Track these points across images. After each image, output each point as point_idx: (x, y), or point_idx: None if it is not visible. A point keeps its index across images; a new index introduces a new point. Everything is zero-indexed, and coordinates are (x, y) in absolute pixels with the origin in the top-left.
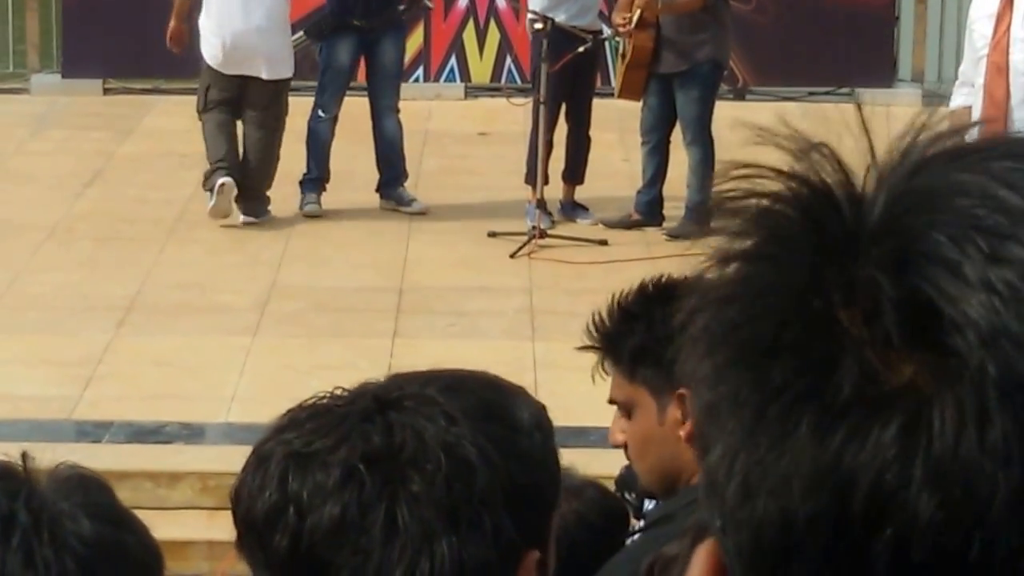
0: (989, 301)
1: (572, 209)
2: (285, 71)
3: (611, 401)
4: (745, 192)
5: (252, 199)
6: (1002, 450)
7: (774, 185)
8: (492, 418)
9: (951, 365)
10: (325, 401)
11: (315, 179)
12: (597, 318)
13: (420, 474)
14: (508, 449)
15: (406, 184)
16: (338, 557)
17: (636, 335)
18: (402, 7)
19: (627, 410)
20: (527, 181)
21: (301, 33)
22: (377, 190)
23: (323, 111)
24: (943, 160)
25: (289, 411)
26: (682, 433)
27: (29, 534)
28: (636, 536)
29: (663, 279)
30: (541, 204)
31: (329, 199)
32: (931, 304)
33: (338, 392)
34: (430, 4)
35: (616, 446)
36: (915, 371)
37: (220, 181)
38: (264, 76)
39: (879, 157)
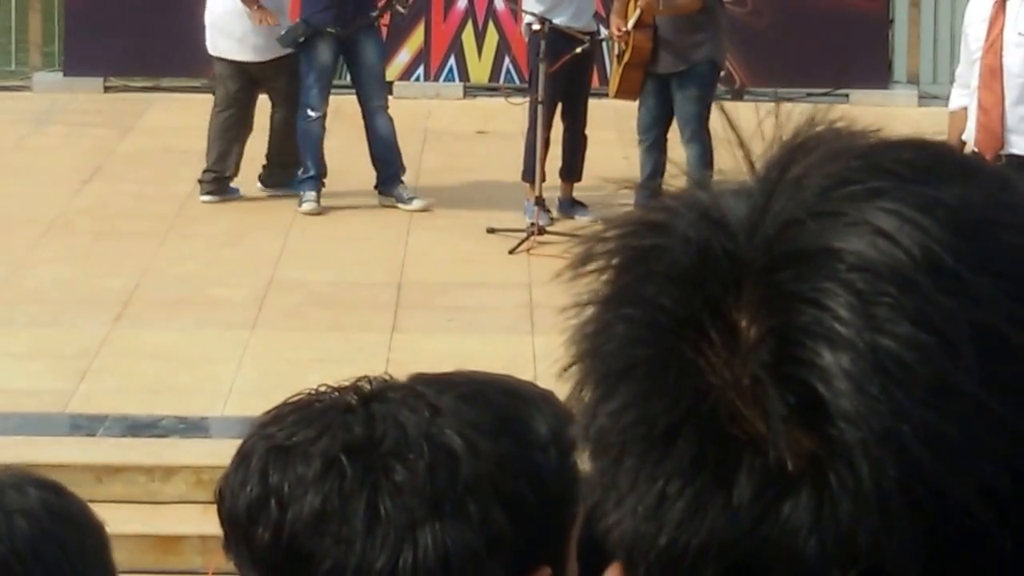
0: (877, 381)
1: (571, 206)
2: (269, 53)
3: None
4: (620, 250)
5: (277, 166)
6: (901, 539)
7: (647, 242)
8: (505, 433)
9: (844, 457)
10: (310, 396)
11: (313, 177)
12: None
13: (402, 464)
14: (519, 467)
15: (405, 179)
16: (320, 547)
17: None
18: (375, 13)
19: None
20: (524, 179)
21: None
22: (375, 188)
23: (313, 110)
24: (816, 199)
25: (275, 407)
26: None
27: None
28: None
29: None
30: (540, 201)
31: (328, 196)
32: (818, 398)
33: (323, 388)
34: (403, 10)
35: None
36: (812, 450)
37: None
38: (250, 59)
39: (754, 174)
